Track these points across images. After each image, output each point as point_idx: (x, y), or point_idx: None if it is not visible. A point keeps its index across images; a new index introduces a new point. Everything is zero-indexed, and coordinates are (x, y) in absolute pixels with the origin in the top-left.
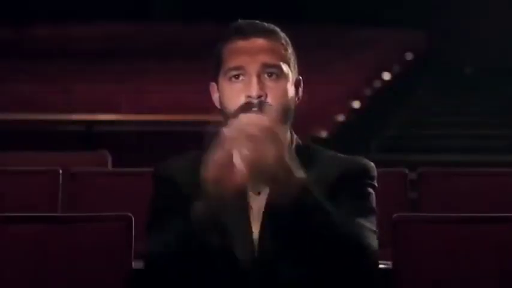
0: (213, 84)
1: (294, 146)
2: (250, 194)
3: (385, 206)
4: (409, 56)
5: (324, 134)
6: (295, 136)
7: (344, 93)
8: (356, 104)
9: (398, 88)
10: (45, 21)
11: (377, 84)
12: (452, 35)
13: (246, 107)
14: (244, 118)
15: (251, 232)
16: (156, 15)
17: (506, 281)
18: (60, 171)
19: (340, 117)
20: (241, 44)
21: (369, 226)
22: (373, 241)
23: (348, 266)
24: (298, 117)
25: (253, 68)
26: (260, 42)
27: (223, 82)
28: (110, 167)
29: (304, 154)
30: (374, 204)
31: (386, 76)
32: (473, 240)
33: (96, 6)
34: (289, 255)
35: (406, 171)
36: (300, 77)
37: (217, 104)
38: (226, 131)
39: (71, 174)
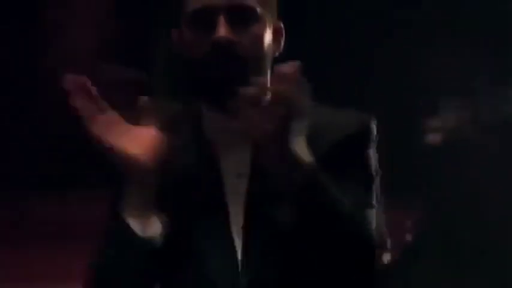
0: (175, 30)
1: None
2: (228, 176)
3: None
4: None
5: None
6: None
7: None
8: None
9: None
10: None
11: None
12: None
13: (213, 53)
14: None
15: (230, 226)
16: None
17: None
18: None
19: None
20: None
21: (369, 201)
22: (372, 221)
23: (346, 258)
24: None
25: (220, 9)
26: None
27: (186, 28)
28: None
29: None
30: (375, 166)
31: None
32: None
33: None
34: (281, 251)
35: None
36: (281, 24)
37: (179, 51)
38: None
39: None
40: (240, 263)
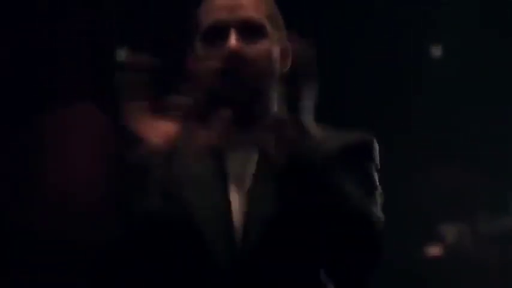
0: (188, 58)
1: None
2: (228, 154)
3: None
4: None
5: None
6: (284, 108)
7: None
8: None
9: None
10: None
11: None
12: None
13: (226, 63)
14: None
15: (230, 207)
16: None
17: None
18: None
19: None
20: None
21: (375, 201)
22: (380, 213)
23: (357, 241)
24: None
25: (232, 23)
26: None
27: (199, 45)
28: None
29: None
30: (377, 183)
31: None
32: None
33: None
34: (288, 235)
35: None
36: (289, 45)
37: (193, 78)
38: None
39: None
40: (239, 226)
